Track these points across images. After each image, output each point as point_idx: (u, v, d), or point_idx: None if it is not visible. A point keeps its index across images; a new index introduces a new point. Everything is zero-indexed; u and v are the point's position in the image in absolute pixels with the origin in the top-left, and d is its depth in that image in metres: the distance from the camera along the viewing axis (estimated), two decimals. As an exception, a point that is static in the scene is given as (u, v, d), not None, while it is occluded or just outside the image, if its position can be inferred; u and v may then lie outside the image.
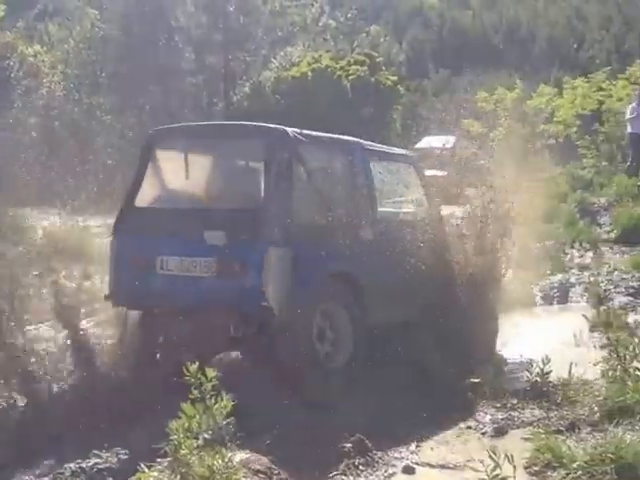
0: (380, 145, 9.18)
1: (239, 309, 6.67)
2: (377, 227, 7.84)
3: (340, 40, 45.97)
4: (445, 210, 8.83)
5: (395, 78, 36.25)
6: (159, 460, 5.15)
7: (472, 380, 7.07)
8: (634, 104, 20.27)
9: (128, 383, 6.53)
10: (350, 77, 33.16)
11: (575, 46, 52.99)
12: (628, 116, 20.31)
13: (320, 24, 50.67)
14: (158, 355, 7.17)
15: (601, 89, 31.28)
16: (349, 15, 48.77)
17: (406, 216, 8.51)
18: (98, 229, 11.16)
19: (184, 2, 35.82)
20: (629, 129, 20.20)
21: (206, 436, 5.44)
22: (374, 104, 33.69)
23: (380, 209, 8.14)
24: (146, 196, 7.57)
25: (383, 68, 36.32)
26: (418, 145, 29.97)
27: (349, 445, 5.75)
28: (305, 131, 7.62)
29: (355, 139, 8.46)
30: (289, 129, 7.46)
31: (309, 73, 32.72)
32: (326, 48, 39.42)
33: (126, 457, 5.62)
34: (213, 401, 5.58)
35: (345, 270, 7.31)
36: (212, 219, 6.91)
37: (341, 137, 8.33)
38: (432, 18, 59.35)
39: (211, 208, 7.23)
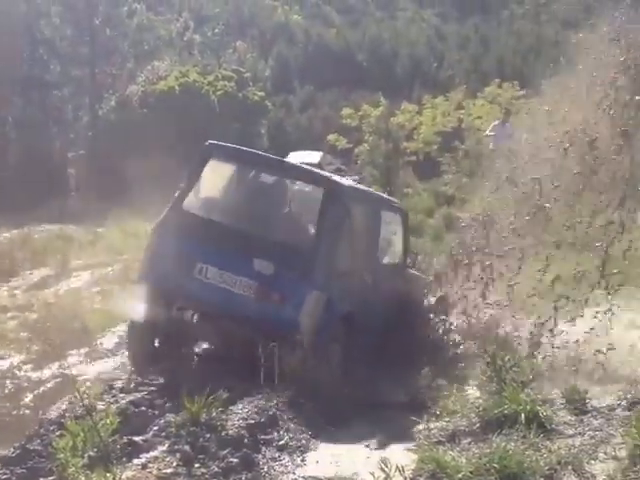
0: (387, 196, 11.02)
1: (272, 332, 7.38)
2: (376, 273, 9.03)
3: (207, 55, 45.73)
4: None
5: (262, 94, 36.33)
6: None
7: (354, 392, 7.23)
8: (496, 123, 21.09)
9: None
10: (218, 92, 33.04)
11: (435, 65, 54.30)
12: (488, 133, 21.10)
13: (185, 39, 50.30)
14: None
15: (460, 107, 32.24)
16: (215, 30, 48.59)
17: (390, 261, 9.94)
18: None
19: (48, 14, 34.91)
20: (491, 146, 20.96)
21: (92, 454, 5.38)
22: (242, 119, 33.66)
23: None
24: (195, 202, 8.49)
25: (250, 84, 36.34)
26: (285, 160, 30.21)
27: (235, 460, 5.77)
28: (356, 185, 9.11)
29: (384, 195, 10.41)
30: (346, 183, 8.78)
31: (176, 87, 32.42)
32: (193, 63, 39.15)
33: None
34: (99, 418, 5.52)
35: (350, 311, 8.28)
36: (262, 247, 7.91)
37: (375, 193, 10.09)
38: (297, 35, 59.70)
39: (262, 236, 8.12)
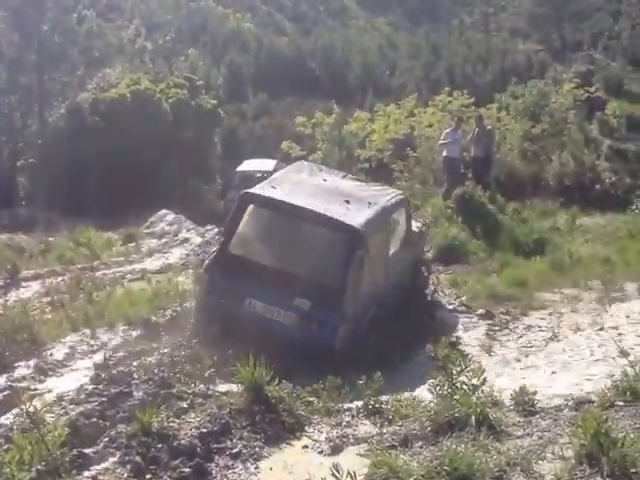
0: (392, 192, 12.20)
1: (313, 350, 9.15)
2: (389, 280, 10.77)
3: (158, 62, 45.52)
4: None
5: (215, 102, 36.23)
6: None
7: (307, 398, 7.23)
8: (448, 130, 21.32)
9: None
10: (170, 100, 32.88)
11: (387, 73, 54.66)
12: (442, 141, 21.30)
13: (137, 46, 50.02)
14: None
15: (412, 115, 32.48)
16: (167, 37, 48.41)
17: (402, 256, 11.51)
18: None
19: (-6, 19, 34.47)
20: (444, 153, 21.19)
21: (40, 467, 5.30)
22: (195, 127, 33.55)
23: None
24: (239, 245, 10.05)
25: (203, 91, 36.24)
26: (239, 168, 30.17)
27: (188, 470, 5.74)
28: (370, 225, 10.18)
29: (391, 195, 11.74)
30: (364, 228, 9.99)
31: (128, 95, 32.18)
32: (144, 70, 38.93)
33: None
34: (47, 430, 5.45)
35: (373, 314, 10.05)
36: (300, 286, 9.49)
37: (387, 202, 11.21)
38: (249, 43, 59.70)
39: (299, 277, 9.63)
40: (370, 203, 10.80)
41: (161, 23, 55.69)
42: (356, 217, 10.14)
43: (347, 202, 10.47)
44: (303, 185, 11.05)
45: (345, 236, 9.93)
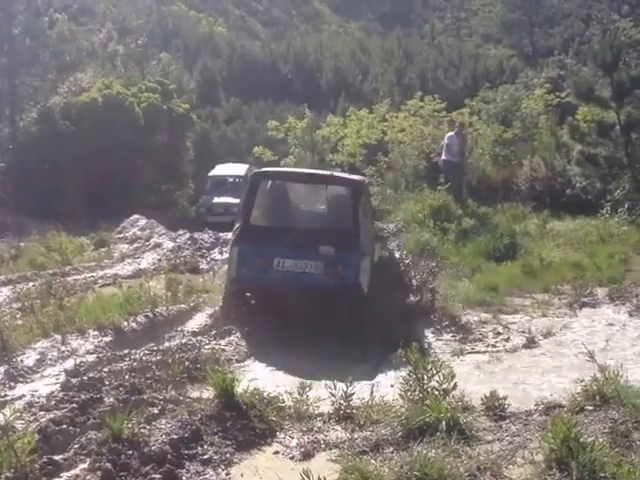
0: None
1: (342, 294, 10.82)
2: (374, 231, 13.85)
3: (130, 67, 45.25)
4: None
5: (187, 106, 36.11)
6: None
7: (278, 404, 7.23)
8: (451, 133, 21.68)
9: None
10: (142, 104, 32.72)
11: (360, 78, 54.70)
12: (445, 142, 21.83)
13: (109, 50, 49.73)
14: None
15: (384, 120, 32.58)
16: (139, 42, 48.15)
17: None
18: None
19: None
20: (443, 157, 21.64)
21: (9, 474, 5.27)
22: (167, 131, 33.43)
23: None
24: (259, 217, 11.67)
25: (175, 96, 36.09)
26: (211, 173, 30.11)
27: (158, 476, 5.73)
28: (366, 180, 14.77)
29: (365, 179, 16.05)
30: (363, 180, 13.81)
31: (100, 99, 31.97)
32: (116, 74, 38.71)
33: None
34: (16, 437, 5.41)
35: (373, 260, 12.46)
36: (320, 238, 11.05)
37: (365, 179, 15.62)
38: (222, 47, 59.56)
39: (317, 230, 11.39)
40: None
41: (133, 27, 55.32)
42: (353, 176, 13.20)
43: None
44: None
45: (350, 188, 11.85)
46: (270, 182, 12.23)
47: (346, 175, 13.03)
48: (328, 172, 12.78)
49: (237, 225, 11.62)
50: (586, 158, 19.86)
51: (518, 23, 79.60)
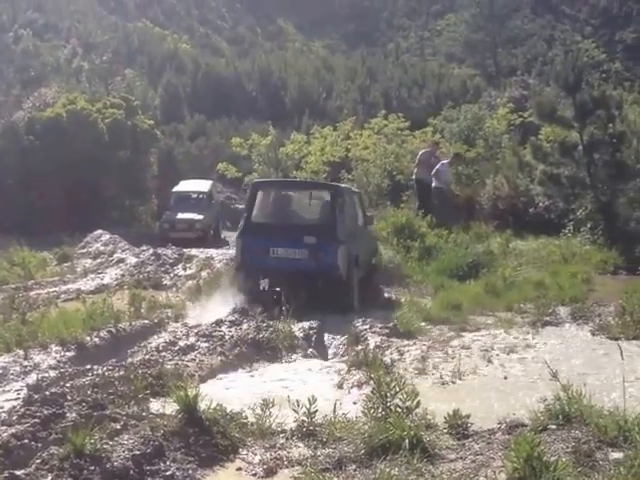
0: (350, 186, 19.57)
1: (324, 275, 13.68)
2: (359, 230, 16.07)
3: (95, 82, 45.08)
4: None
5: (152, 122, 36.02)
6: None
7: (241, 420, 7.21)
8: (445, 161, 22.00)
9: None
10: (106, 120, 32.58)
11: (324, 96, 54.94)
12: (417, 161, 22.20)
13: (73, 65, 49.51)
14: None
15: (348, 137, 32.75)
16: (104, 58, 47.97)
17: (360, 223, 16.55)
18: None
19: None
20: (414, 176, 21.91)
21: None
22: (131, 147, 33.29)
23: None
24: (258, 216, 14.60)
25: (139, 112, 35.98)
26: (175, 189, 30.03)
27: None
28: (345, 185, 19.38)
29: (349, 187, 19.11)
30: (342, 186, 17.64)
31: (64, 114, 31.78)
32: (81, 90, 38.54)
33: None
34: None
35: (355, 253, 14.49)
36: (305, 230, 14.22)
37: (349, 187, 18.62)
38: (186, 64, 59.56)
39: (303, 224, 14.67)
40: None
41: (98, 43, 55.15)
42: (333, 183, 18.16)
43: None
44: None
45: (330, 191, 14.84)
46: (266, 188, 15.70)
47: (327, 182, 18.78)
48: (313, 180, 16.84)
49: (241, 222, 14.55)
50: (549, 178, 20.04)
51: (482, 43, 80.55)
